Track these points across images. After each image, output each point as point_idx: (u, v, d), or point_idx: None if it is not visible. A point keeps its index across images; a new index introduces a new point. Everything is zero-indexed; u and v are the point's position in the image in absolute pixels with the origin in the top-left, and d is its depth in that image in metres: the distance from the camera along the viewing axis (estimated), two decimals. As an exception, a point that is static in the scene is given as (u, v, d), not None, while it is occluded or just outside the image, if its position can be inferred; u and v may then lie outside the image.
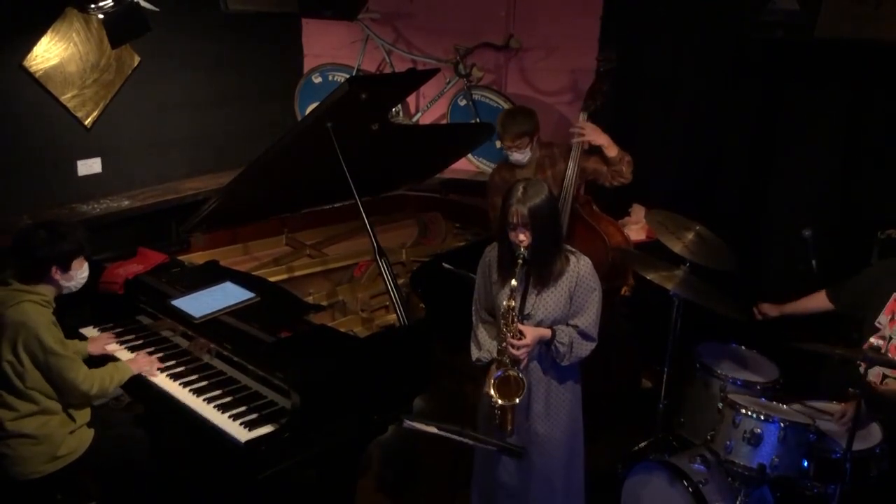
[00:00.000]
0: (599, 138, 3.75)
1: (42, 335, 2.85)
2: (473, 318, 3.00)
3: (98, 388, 2.99)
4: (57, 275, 2.95)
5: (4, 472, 2.92)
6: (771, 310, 3.72)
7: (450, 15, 5.23)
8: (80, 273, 3.03)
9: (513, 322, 2.72)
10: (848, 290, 3.48)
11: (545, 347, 2.84)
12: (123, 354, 3.32)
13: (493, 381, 2.75)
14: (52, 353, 2.87)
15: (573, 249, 2.86)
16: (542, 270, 2.77)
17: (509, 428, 2.80)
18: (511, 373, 2.75)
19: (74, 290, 3.06)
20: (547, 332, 2.80)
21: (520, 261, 2.69)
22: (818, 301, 3.57)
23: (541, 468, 2.93)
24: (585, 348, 2.84)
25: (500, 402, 2.74)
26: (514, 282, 2.69)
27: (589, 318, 2.81)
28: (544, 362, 2.88)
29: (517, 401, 2.74)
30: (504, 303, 2.72)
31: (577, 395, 2.99)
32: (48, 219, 3.17)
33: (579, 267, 2.80)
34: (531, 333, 2.76)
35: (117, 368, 3.10)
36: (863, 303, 3.41)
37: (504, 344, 2.74)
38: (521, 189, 2.71)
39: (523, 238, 2.70)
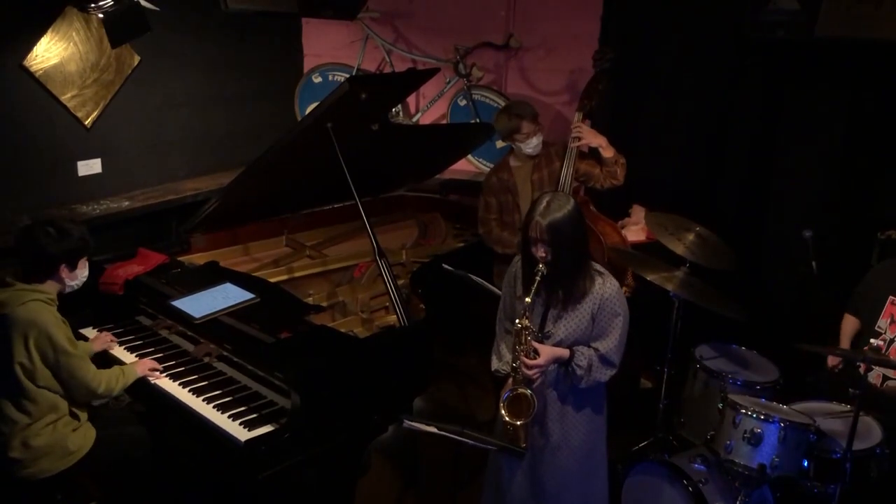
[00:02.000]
0: (596, 139, 3.75)
1: (53, 334, 2.86)
2: (497, 329, 2.89)
3: (105, 388, 3.00)
4: (64, 272, 2.95)
5: (15, 474, 2.91)
6: (834, 360, 3.59)
7: (450, 15, 5.23)
8: (83, 272, 3.04)
9: (526, 341, 2.60)
10: (858, 296, 3.47)
11: (563, 368, 2.72)
12: (123, 355, 3.33)
13: (503, 401, 2.64)
14: (63, 352, 2.88)
15: (602, 270, 2.71)
16: (562, 288, 2.64)
17: (523, 445, 2.70)
18: (521, 391, 2.62)
19: (76, 288, 3.06)
20: (565, 353, 2.66)
21: (538, 277, 2.57)
22: (849, 324, 3.51)
23: (551, 491, 2.84)
24: (605, 373, 2.69)
25: (508, 419, 2.64)
26: (527, 299, 2.56)
27: (611, 342, 2.66)
28: (562, 385, 2.76)
29: (519, 423, 2.64)
30: (517, 320, 2.61)
31: (597, 424, 2.85)
32: (49, 216, 3.14)
33: (605, 289, 2.65)
34: (547, 353, 2.63)
35: (123, 371, 3.11)
36: (864, 305, 3.41)
37: (517, 362, 2.62)
38: (544, 202, 2.59)
39: (543, 254, 2.58)
